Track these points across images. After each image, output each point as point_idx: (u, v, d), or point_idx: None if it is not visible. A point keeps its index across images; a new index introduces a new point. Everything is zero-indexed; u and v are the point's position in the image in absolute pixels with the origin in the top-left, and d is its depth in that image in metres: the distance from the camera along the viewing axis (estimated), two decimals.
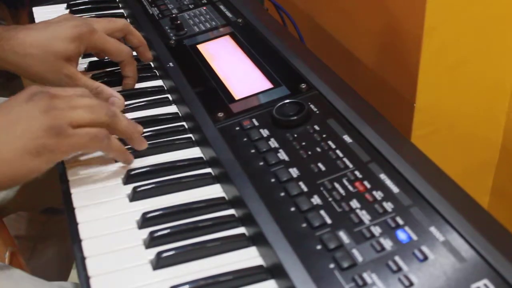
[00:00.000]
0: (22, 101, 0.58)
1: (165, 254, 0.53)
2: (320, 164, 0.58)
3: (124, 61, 0.77)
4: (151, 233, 0.55)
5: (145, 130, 0.69)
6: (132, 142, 0.65)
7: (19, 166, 0.55)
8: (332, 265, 0.48)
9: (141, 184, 0.61)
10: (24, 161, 0.55)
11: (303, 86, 0.69)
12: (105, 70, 0.82)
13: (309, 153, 0.60)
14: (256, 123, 0.66)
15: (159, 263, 0.52)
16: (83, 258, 0.54)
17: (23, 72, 0.73)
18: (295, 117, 0.64)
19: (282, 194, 0.56)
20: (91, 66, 0.84)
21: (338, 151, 0.59)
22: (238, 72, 0.76)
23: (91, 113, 0.59)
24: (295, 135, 0.63)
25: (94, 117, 0.59)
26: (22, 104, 0.58)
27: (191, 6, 0.95)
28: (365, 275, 0.47)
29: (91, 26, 0.74)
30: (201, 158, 0.66)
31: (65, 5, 1.02)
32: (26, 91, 0.59)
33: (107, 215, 0.59)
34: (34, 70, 0.71)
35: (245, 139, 0.64)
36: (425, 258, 0.47)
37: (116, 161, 0.65)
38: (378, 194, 0.54)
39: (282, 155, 0.60)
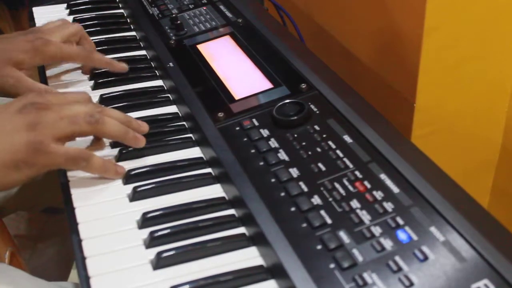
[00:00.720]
0: (12, 113, 0.58)
1: (165, 254, 0.53)
2: (320, 164, 0.58)
3: (86, 62, 0.79)
4: (151, 233, 0.55)
5: None
6: (126, 143, 0.64)
7: None
8: (332, 265, 0.48)
9: (141, 184, 0.61)
10: (3, 173, 0.56)
11: (303, 86, 0.69)
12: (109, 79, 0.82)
13: (309, 153, 0.60)
14: (256, 123, 0.66)
15: (159, 263, 0.52)
16: (83, 258, 0.53)
17: None
18: (295, 117, 0.64)
19: (282, 194, 0.56)
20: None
21: (338, 151, 0.59)
22: (238, 72, 0.76)
23: (72, 124, 0.59)
24: (295, 135, 0.63)
25: (75, 128, 0.59)
26: (11, 115, 0.58)
27: (191, 6, 0.95)
28: (365, 275, 0.47)
29: (45, 38, 0.75)
30: (201, 158, 0.66)
31: (65, 5, 1.02)
32: (19, 101, 0.60)
33: (107, 215, 0.59)
34: None
35: (245, 139, 0.64)
36: (426, 258, 0.47)
37: (117, 161, 0.65)
38: (378, 194, 0.54)
39: (282, 155, 0.60)
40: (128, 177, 0.62)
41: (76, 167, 0.61)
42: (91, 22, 0.96)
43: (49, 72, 0.83)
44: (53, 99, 0.61)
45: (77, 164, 0.60)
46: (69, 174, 0.63)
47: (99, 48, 0.87)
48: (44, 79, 0.82)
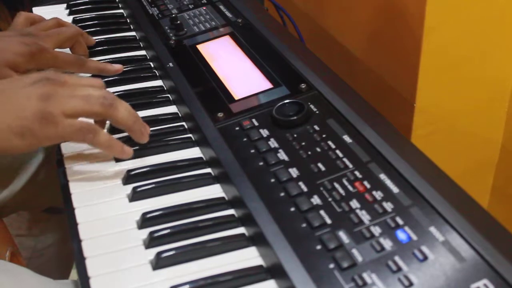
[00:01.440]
0: (27, 83, 0.59)
1: (165, 254, 0.53)
2: (320, 164, 0.58)
3: (78, 70, 0.79)
4: (151, 233, 0.55)
5: None
6: (131, 134, 0.64)
7: (1, 140, 0.56)
8: (332, 265, 0.48)
9: (141, 184, 0.61)
10: (7, 137, 0.56)
11: (303, 86, 0.69)
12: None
13: (309, 153, 0.60)
14: (256, 123, 0.66)
15: (159, 263, 0.52)
16: (83, 258, 0.54)
17: None
18: (295, 117, 0.64)
19: (282, 194, 0.56)
20: None
21: (338, 151, 0.59)
22: (238, 72, 0.76)
23: (85, 103, 0.60)
24: (295, 135, 0.63)
25: (88, 107, 0.60)
26: (25, 85, 0.59)
27: (191, 6, 0.95)
28: (365, 275, 0.47)
29: (40, 45, 0.75)
30: (201, 158, 0.66)
31: (65, 5, 1.02)
32: (36, 75, 0.61)
33: (107, 215, 0.59)
34: None
35: (245, 139, 0.64)
36: (425, 258, 0.47)
37: (116, 161, 0.65)
38: (378, 194, 0.54)
39: (282, 155, 0.60)
40: (128, 177, 0.62)
41: (82, 139, 0.60)
42: (91, 22, 0.96)
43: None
44: (69, 78, 0.62)
45: (84, 136, 0.60)
46: (69, 174, 0.64)
47: (99, 48, 0.87)
48: None
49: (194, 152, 0.67)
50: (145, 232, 0.56)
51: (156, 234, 0.55)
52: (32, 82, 0.59)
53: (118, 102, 0.62)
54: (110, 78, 0.81)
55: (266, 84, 0.72)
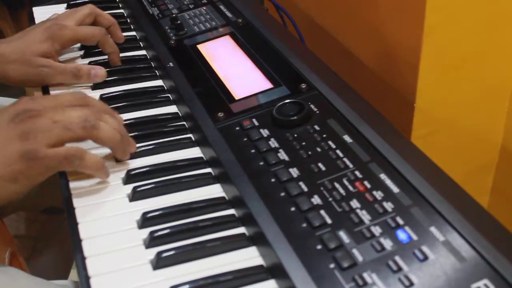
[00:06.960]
0: (5, 122, 0.58)
1: (165, 254, 0.53)
2: (320, 164, 0.58)
3: (99, 41, 0.83)
4: (151, 233, 0.55)
5: (145, 130, 0.69)
6: (114, 151, 0.64)
7: None
8: (332, 265, 0.48)
9: (141, 184, 0.61)
10: (1, 185, 0.55)
11: (303, 86, 0.69)
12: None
13: (309, 153, 0.60)
14: (256, 123, 0.66)
15: (159, 263, 0.52)
16: (83, 258, 0.54)
17: (8, 80, 0.77)
18: (295, 117, 0.64)
19: (282, 194, 0.56)
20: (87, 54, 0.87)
21: (338, 151, 0.59)
22: (238, 72, 0.76)
23: (67, 130, 0.58)
24: (295, 135, 0.63)
25: (70, 134, 0.58)
26: (5, 124, 0.57)
27: (191, 6, 0.95)
28: (365, 275, 0.47)
29: (60, 24, 0.80)
30: (201, 158, 0.66)
31: (65, 5, 1.02)
32: (12, 108, 0.59)
33: (107, 215, 0.59)
34: (18, 73, 0.76)
35: (245, 139, 0.64)
36: (425, 258, 0.47)
37: (116, 161, 0.65)
38: (378, 194, 0.54)
39: (282, 155, 0.60)
40: (128, 177, 0.62)
41: (70, 167, 0.59)
42: None
43: None
44: (46, 103, 0.60)
45: (71, 162, 0.58)
46: (69, 174, 0.63)
47: (99, 49, 0.87)
48: None
49: (194, 152, 0.67)
50: (145, 232, 0.56)
51: (156, 234, 0.55)
52: (10, 119, 0.57)
53: (101, 122, 0.61)
54: (110, 78, 0.81)
55: (266, 84, 0.72)
